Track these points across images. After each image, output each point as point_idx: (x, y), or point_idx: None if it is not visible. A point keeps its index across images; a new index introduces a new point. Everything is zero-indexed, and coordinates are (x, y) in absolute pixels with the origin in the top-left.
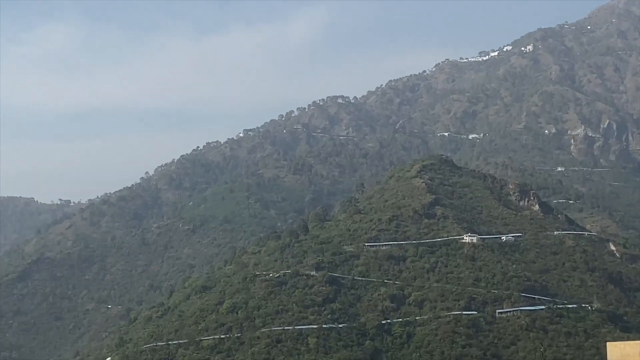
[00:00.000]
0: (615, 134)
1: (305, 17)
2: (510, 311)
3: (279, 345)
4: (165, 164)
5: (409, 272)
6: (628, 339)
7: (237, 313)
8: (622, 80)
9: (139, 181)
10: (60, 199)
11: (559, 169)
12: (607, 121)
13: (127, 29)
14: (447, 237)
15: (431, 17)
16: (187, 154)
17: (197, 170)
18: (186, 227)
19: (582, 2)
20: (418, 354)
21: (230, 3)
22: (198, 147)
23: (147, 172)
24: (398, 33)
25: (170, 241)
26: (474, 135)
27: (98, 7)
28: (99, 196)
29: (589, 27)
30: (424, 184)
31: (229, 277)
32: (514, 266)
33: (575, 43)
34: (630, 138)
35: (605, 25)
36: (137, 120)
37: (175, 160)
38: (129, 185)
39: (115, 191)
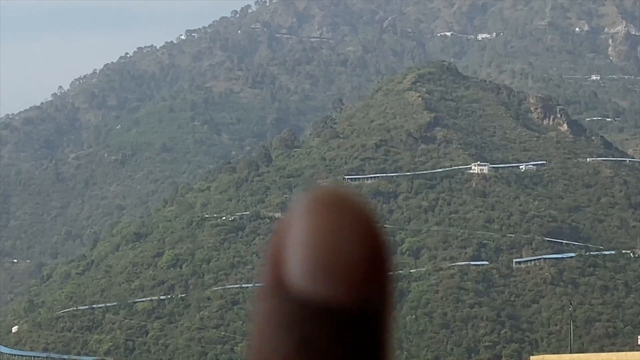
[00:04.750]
0: None
1: None
2: (530, 260)
3: (235, 307)
4: (85, 76)
5: (402, 213)
6: None
7: (180, 267)
8: None
9: (50, 98)
10: None
11: (594, 78)
12: None
13: None
14: (451, 166)
15: None
16: (112, 62)
17: (126, 84)
18: (113, 158)
19: None
20: (413, 316)
21: None
22: (127, 53)
23: (60, 87)
24: None
25: (93, 176)
26: (484, 35)
27: None
28: None
29: None
30: (420, 98)
31: (170, 221)
32: (536, 203)
33: None
34: None
35: None
36: (46, 19)
37: (98, 71)
38: (38, 104)
39: (20, 112)
